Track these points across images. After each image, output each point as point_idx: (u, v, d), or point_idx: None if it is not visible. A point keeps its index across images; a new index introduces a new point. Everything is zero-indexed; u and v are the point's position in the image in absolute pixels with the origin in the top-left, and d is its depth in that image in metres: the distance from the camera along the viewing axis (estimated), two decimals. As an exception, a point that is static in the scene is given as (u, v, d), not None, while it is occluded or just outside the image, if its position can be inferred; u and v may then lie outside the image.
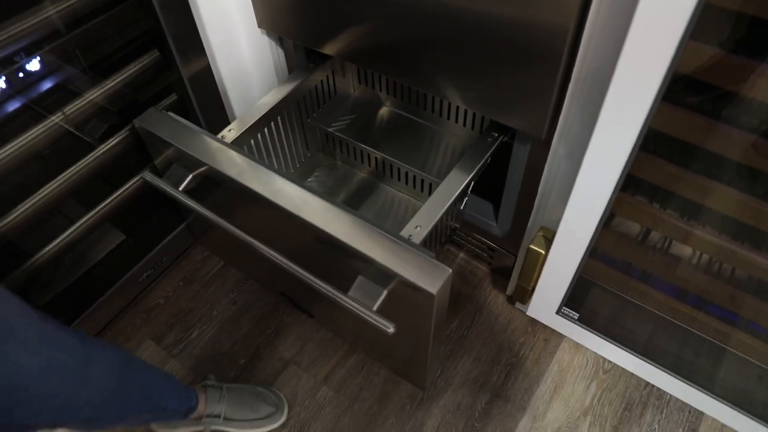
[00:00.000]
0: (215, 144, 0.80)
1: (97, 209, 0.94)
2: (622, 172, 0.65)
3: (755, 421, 0.87)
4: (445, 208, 0.81)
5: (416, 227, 0.78)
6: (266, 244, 0.75)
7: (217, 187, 0.84)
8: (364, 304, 0.69)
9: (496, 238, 1.06)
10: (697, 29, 0.51)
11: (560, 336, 1.05)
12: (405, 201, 1.09)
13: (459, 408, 0.97)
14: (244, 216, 0.83)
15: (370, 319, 0.68)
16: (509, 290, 1.10)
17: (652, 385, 0.98)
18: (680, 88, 0.58)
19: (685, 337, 0.88)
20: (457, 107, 1.04)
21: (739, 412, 0.87)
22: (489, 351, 1.04)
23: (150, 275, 1.09)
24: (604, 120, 0.62)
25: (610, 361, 1.01)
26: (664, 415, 0.95)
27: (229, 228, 0.77)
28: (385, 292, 0.70)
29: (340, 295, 0.70)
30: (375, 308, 0.70)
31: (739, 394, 0.88)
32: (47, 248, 0.89)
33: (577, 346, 1.03)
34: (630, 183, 0.68)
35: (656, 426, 0.94)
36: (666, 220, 0.73)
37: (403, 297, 0.69)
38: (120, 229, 1.04)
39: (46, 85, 0.81)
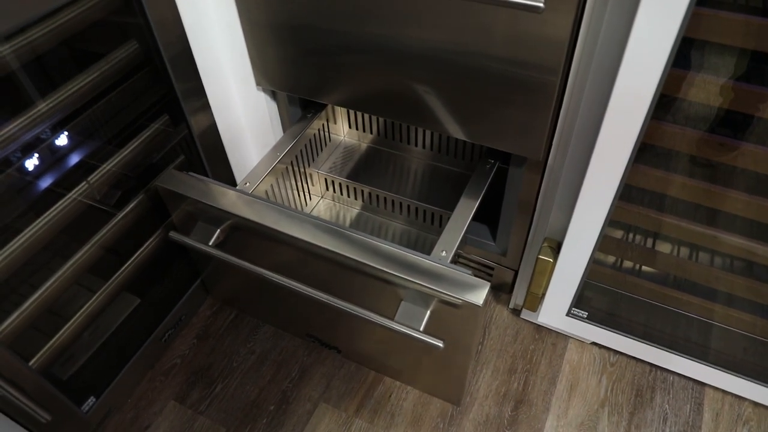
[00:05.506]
0: (245, 197, 0.85)
1: (115, 277, 0.95)
2: (620, 182, 0.75)
3: (750, 381, 0.97)
4: (462, 232, 0.88)
5: (442, 252, 0.85)
6: (307, 286, 0.80)
7: (246, 237, 0.88)
8: (411, 327, 0.75)
9: (494, 256, 1.14)
10: (677, 59, 0.62)
11: (566, 338, 1.13)
12: (407, 232, 1.17)
13: (488, 419, 1.03)
14: (279, 261, 0.87)
15: (420, 338, 0.74)
16: (512, 303, 1.18)
17: (657, 371, 1.08)
18: (665, 108, 0.69)
19: (678, 318, 0.98)
20: (448, 140, 1.13)
21: (735, 376, 0.97)
22: (504, 362, 1.11)
23: (171, 335, 1.09)
24: (602, 139, 0.72)
25: (615, 354, 1.10)
26: (671, 395, 1.05)
27: (269, 276, 0.81)
28: (428, 313, 0.76)
29: (389, 323, 0.75)
30: (422, 328, 0.75)
31: (731, 361, 0.99)
32: (68, 324, 0.89)
33: (583, 346, 1.12)
34: (627, 191, 0.78)
35: (666, 406, 1.03)
36: (655, 219, 0.84)
37: (447, 313, 0.76)
38: (134, 293, 1.04)
39: (68, 159, 0.83)
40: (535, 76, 0.76)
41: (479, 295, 0.71)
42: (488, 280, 1.22)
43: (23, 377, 0.78)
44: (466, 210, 0.91)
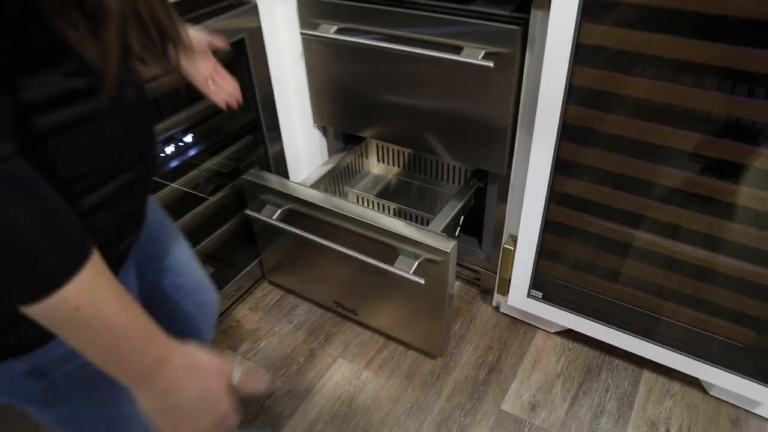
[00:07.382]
0: (301, 188, 1.25)
1: (199, 247, 1.34)
2: (549, 183, 1.11)
3: (689, 357, 1.20)
4: (444, 224, 1.25)
5: (431, 230, 1.21)
6: (334, 243, 1.17)
7: (297, 215, 1.26)
8: (404, 270, 1.10)
9: (482, 262, 1.48)
10: (571, 96, 1.00)
11: (535, 330, 1.43)
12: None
13: (467, 379, 1.32)
14: (320, 231, 1.24)
15: (408, 277, 1.08)
16: (494, 302, 1.49)
17: (606, 356, 1.35)
18: (569, 135, 1.06)
19: (621, 306, 1.27)
20: (450, 170, 1.52)
21: (674, 352, 1.21)
22: (484, 342, 1.41)
23: (232, 296, 1.46)
24: (534, 154, 1.09)
25: (573, 342, 1.39)
26: (615, 374, 1.32)
27: (310, 237, 1.19)
28: (416, 263, 1.11)
29: (388, 266, 1.11)
30: (411, 272, 1.10)
31: (672, 340, 1.22)
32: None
33: (548, 336, 1.42)
34: (555, 195, 1.14)
35: (609, 381, 1.30)
36: (584, 219, 1.18)
37: (428, 264, 1.10)
38: (210, 264, 1.43)
39: (182, 156, 1.26)
40: (493, 117, 1.15)
41: (448, 245, 1.06)
42: (478, 285, 1.55)
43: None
44: (448, 210, 1.28)
